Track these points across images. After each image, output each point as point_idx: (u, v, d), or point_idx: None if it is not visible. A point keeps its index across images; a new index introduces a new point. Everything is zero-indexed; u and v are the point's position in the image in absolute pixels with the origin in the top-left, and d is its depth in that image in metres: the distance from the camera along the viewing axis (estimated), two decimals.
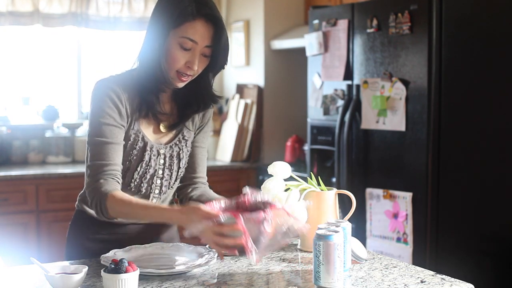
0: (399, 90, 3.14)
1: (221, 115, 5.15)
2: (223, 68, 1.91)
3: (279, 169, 1.86)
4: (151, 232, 2.03)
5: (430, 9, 2.97)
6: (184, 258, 1.84)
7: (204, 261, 1.77)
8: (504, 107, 2.92)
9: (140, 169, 1.90)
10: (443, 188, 3.00)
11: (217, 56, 1.85)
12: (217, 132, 5.03)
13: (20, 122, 4.73)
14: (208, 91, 1.96)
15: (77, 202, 2.03)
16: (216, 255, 1.80)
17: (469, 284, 1.65)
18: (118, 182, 1.82)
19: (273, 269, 1.78)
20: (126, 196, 1.79)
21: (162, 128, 1.95)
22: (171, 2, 1.81)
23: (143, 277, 1.67)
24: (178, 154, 1.97)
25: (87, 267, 1.61)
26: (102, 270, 1.56)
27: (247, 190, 1.72)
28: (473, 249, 2.98)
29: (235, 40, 5.11)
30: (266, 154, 4.85)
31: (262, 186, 1.84)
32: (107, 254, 1.80)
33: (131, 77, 1.89)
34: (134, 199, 1.80)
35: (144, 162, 1.90)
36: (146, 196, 1.95)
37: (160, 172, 1.95)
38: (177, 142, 1.97)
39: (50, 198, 4.19)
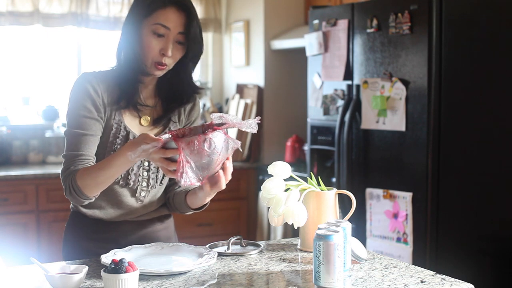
0: (399, 90, 3.14)
1: None
2: (199, 57, 1.94)
3: (279, 169, 1.86)
4: (147, 230, 2.04)
5: (430, 9, 2.96)
6: (184, 258, 1.84)
7: (204, 261, 1.77)
8: (504, 107, 2.93)
9: None
10: (443, 188, 3.00)
11: (191, 44, 1.88)
12: None
13: (20, 122, 4.73)
14: (189, 82, 1.99)
15: (71, 204, 2.04)
16: (216, 254, 1.82)
17: (469, 284, 1.65)
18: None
19: (273, 269, 1.78)
20: (92, 165, 1.83)
21: (143, 121, 1.97)
22: None
23: (143, 277, 1.67)
24: None
25: (87, 267, 1.61)
26: (102, 270, 1.56)
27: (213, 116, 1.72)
28: (473, 249, 2.98)
29: (235, 40, 5.11)
30: (266, 154, 4.85)
31: (262, 186, 1.84)
32: (107, 254, 1.80)
33: (112, 71, 1.94)
34: (98, 162, 1.83)
35: None
36: (134, 189, 1.96)
37: (146, 163, 1.96)
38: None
39: (50, 198, 4.19)
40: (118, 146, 1.91)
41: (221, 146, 1.65)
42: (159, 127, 2.00)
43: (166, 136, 1.67)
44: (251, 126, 1.67)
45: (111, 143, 1.91)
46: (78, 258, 1.93)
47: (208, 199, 1.92)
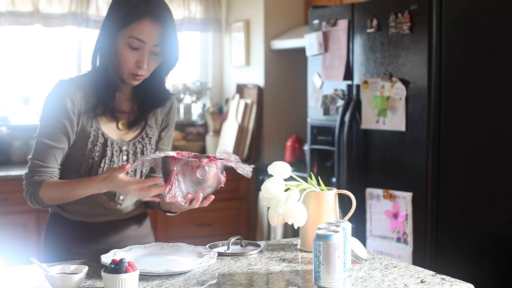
0: (399, 90, 3.14)
1: (221, 115, 5.15)
2: (175, 65, 1.95)
3: (279, 169, 1.86)
4: (126, 229, 2.05)
5: (430, 9, 2.96)
6: (184, 258, 1.84)
7: (204, 261, 1.77)
8: (504, 107, 2.92)
9: (104, 165, 1.93)
10: (443, 188, 2.99)
11: (167, 54, 1.89)
12: (217, 132, 5.03)
13: (20, 122, 4.73)
14: (161, 88, 2.01)
15: (49, 207, 2.03)
16: (216, 254, 1.82)
17: (469, 284, 1.65)
18: (46, 178, 1.89)
19: (273, 269, 1.78)
20: (58, 181, 1.89)
21: (120, 126, 1.98)
22: (121, 3, 1.87)
23: (143, 277, 1.67)
24: (142, 151, 2.01)
25: (87, 267, 1.61)
26: (102, 270, 1.56)
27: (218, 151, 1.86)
28: (473, 249, 2.98)
29: (235, 40, 5.11)
30: (266, 154, 4.85)
31: (262, 186, 1.84)
32: (107, 254, 1.81)
33: (89, 76, 1.95)
34: (65, 181, 1.88)
35: (107, 157, 1.94)
36: (113, 194, 1.97)
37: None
38: (140, 140, 2.01)
39: None
40: (97, 154, 1.93)
41: (212, 177, 1.78)
42: (135, 130, 2.01)
43: (137, 164, 1.84)
44: (245, 170, 1.81)
45: (89, 151, 1.93)
46: (58, 259, 1.93)
47: (178, 212, 2.00)
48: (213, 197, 1.83)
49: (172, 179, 1.76)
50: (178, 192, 1.77)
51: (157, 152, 1.88)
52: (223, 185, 1.84)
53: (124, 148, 1.97)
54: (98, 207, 1.98)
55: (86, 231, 1.99)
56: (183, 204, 1.80)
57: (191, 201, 1.80)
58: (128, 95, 2.01)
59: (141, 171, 2.03)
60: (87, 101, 1.92)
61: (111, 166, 1.94)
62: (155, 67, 1.92)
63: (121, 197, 2.00)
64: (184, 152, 1.88)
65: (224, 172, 1.84)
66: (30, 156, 1.94)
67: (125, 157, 1.97)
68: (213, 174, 1.78)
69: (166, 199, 1.76)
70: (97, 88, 1.92)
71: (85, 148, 1.92)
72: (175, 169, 1.76)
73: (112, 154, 1.95)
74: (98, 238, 1.99)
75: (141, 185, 1.77)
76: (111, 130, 1.96)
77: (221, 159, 1.81)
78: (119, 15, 1.85)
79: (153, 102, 2.01)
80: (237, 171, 1.80)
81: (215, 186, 1.83)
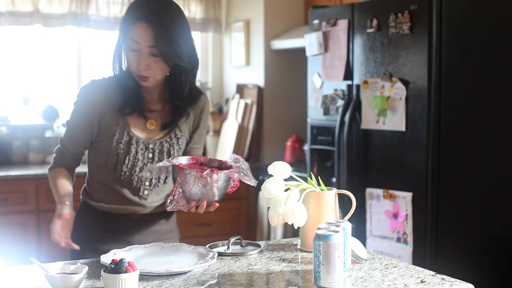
0: (399, 90, 3.14)
1: (221, 115, 5.15)
2: (189, 64, 2.00)
3: (279, 169, 1.86)
4: (150, 223, 2.13)
5: (430, 9, 2.96)
6: (184, 258, 1.84)
7: (204, 261, 1.77)
8: (504, 107, 2.92)
9: (128, 162, 2.03)
10: (443, 188, 2.99)
11: (166, 56, 1.94)
12: (217, 132, 5.03)
13: (20, 122, 4.73)
14: (189, 86, 2.06)
15: (81, 195, 2.17)
16: (216, 254, 1.83)
17: (469, 284, 1.65)
18: (67, 160, 2.10)
19: (273, 269, 1.78)
20: (58, 175, 2.06)
21: (149, 125, 2.07)
22: (126, 9, 1.99)
23: (143, 277, 1.67)
24: (168, 150, 2.08)
25: (87, 267, 1.62)
26: (102, 270, 1.56)
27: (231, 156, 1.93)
28: (473, 249, 2.98)
29: (235, 40, 5.11)
30: (266, 154, 4.85)
31: (262, 186, 1.84)
32: (107, 254, 1.81)
33: (113, 81, 2.06)
34: (57, 182, 2.04)
35: (131, 155, 2.03)
36: (137, 188, 2.07)
37: (149, 164, 2.05)
38: (168, 139, 2.09)
39: (50, 198, 4.16)
40: (121, 151, 2.03)
41: (214, 186, 1.84)
42: (165, 130, 2.09)
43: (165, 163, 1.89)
44: (252, 180, 1.87)
45: (114, 148, 2.03)
46: (86, 245, 2.02)
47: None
48: (217, 205, 1.90)
49: (174, 189, 1.84)
50: (182, 201, 1.84)
51: (165, 160, 1.95)
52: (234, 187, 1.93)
53: (151, 146, 2.06)
54: (123, 200, 2.07)
55: (111, 221, 2.08)
56: (186, 210, 1.88)
57: (196, 208, 1.88)
58: (158, 95, 2.09)
59: (156, 178, 2.09)
60: (113, 101, 2.03)
61: (135, 163, 2.04)
62: (160, 68, 1.97)
63: (146, 192, 2.08)
64: (200, 156, 1.97)
65: (233, 180, 1.92)
66: (60, 138, 2.13)
67: (150, 155, 2.06)
68: (215, 184, 1.84)
69: (167, 209, 1.85)
70: (123, 90, 2.03)
71: (110, 145, 2.03)
72: (178, 179, 1.84)
73: (137, 152, 2.04)
74: (122, 230, 2.08)
75: (58, 232, 1.91)
76: (139, 129, 2.06)
77: (230, 167, 1.88)
78: (123, 21, 1.97)
79: (183, 102, 2.08)
80: (243, 180, 1.86)
81: (219, 194, 1.88)
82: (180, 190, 1.84)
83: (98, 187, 2.10)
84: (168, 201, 1.84)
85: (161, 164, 1.87)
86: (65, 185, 2.04)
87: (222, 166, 1.93)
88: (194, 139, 2.17)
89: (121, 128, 2.03)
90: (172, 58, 1.94)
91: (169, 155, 2.07)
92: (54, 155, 2.12)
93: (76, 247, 1.91)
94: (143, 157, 2.05)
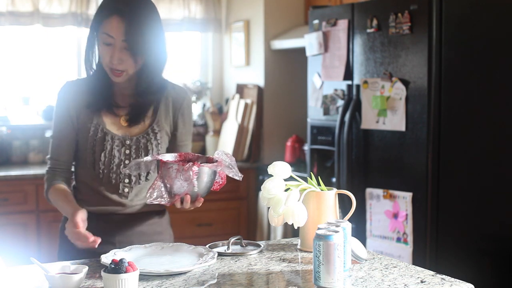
0: (399, 90, 3.14)
1: (221, 115, 5.15)
2: (159, 60, 2.03)
3: (279, 169, 1.86)
4: (134, 223, 2.12)
5: (430, 9, 2.96)
6: (184, 258, 1.84)
7: (204, 261, 1.77)
8: (504, 107, 2.93)
9: (104, 159, 2.04)
10: (443, 188, 2.99)
11: (138, 50, 1.96)
12: (217, 132, 5.03)
13: (20, 122, 4.73)
14: (155, 81, 2.06)
15: None
16: (216, 254, 1.83)
17: (469, 284, 1.65)
18: (60, 175, 2.08)
19: (273, 269, 1.78)
20: (59, 191, 2.03)
21: (122, 121, 2.09)
22: (99, 5, 2.02)
23: (143, 277, 1.67)
24: (146, 145, 2.08)
25: (87, 267, 1.62)
26: (102, 270, 1.56)
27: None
28: (473, 249, 2.98)
29: (235, 40, 5.11)
30: (266, 154, 4.85)
31: (262, 186, 1.84)
32: (107, 254, 1.81)
33: (89, 76, 2.09)
34: (61, 195, 2.02)
35: (107, 151, 2.04)
36: (117, 186, 2.07)
37: (127, 162, 2.06)
38: (145, 135, 2.09)
39: None
40: (96, 148, 2.05)
41: (196, 180, 1.82)
42: (141, 125, 2.09)
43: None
44: (238, 174, 1.86)
45: (90, 145, 2.06)
46: (73, 248, 1.97)
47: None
48: (202, 199, 1.88)
49: (155, 182, 1.83)
50: (164, 195, 1.82)
51: (149, 156, 1.94)
52: (217, 187, 1.91)
53: (127, 142, 2.06)
54: (104, 199, 2.07)
55: (98, 223, 2.05)
56: (168, 205, 1.88)
57: (181, 202, 1.86)
58: (128, 92, 2.09)
59: (136, 176, 2.08)
60: (87, 99, 2.05)
61: (112, 160, 2.04)
62: (131, 62, 1.98)
63: (126, 190, 2.07)
64: (188, 153, 1.96)
65: (221, 176, 1.91)
66: (47, 156, 2.13)
67: (127, 151, 2.06)
68: (195, 176, 1.82)
69: (147, 201, 1.84)
70: (94, 87, 2.05)
71: (86, 143, 2.05)
72: (159, 172, 1.83)
73: (112, 148, 2.05)
74: (110, 231, 2.07)
75: (77, 234, 1.85)
76: (115, 126, 2.07)
77: (216, 161, 1.86)
78: (96, 15, 1.99)
79: (148, 96, 2.08)
80: (227, 174, 1.86)
81: (204, 188, 1.87)
82: (161, 184, 1.83)
83: (81, 188, 2.11)
84: (148, 193, 1.83)
85: (146, 159, 1.86)
86: (67, 193, 2.04)
87: (209, 162, 1.92)
88: (180, 137, 2.16)
89: (95, 125, 2.05)
90: (142, 52, 1.97)
91: (146, 151, 2.07)
92: (46, 176, 2.09)
93: (98, 239, 1.86)
94: (120, 154, 2.05)
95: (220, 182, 1.92)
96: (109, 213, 2.09)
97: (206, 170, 1.84)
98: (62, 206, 2.00)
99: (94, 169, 2.05)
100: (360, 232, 3.34)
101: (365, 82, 3.34)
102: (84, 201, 2.07)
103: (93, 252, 1.94)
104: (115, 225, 2.09)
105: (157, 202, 1.83)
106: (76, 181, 2.13)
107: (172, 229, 2.27)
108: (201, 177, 1.84)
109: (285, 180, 1.88)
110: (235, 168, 1.86)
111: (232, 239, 1.99)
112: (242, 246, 2.00)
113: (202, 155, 1.95)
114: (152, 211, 2.15)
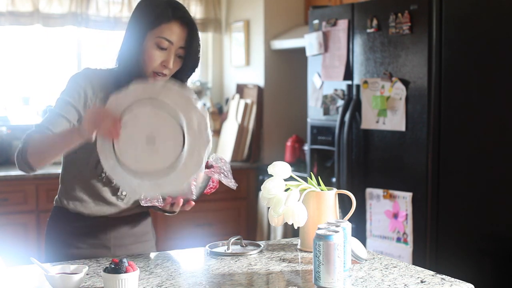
0: (399, 90, 3.14)
1: (221, 115, 5.15)
2: (194, 71, 2.04)
3: (279, 169, 1.86)
4: (123, 226, 2.09)
5: (430, 9, 2.96)
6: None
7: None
8: (504, 107, 2.92)
9: None
10: (443, 188, 2.99)
11: (191, 58, 1.98)
12: (217, 132, 5.03)
13: (20, 122, 4.73)
14: None
15: (54, 201, 2.10)
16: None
17: (469, 284, 1.65)
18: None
19: (273, 269, 1.78)
20: (44, 135, 1.88)
21: None
22: (149, 6, 1.97)
23: (143, 277, 1.67)
24: None
25: (87, 267, 1.62)
26: (102, 270, 1.56)
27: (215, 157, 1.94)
28: (473, 249, 2.98)
29: (235, 40, 5.11)
30: (266, 154, 4.85)
31: (262, 186, 1.85)
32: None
33: (112, 71, 2.02)
34: (51, 135, 1.88)
35: None
36: (116, 188, 2.03)
37: None
38: None
39: (50, 198, 4.18)
40: None
41: (198, 184, 1.84)
42: None
43: None
44: (231, 182, 1.88)
45: (94, 145, 1.94)
46: (59, 252, 1.97)
47: (176, 212, 2.00)
48: (193, 203, 1.90)
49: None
50: (157, 197, 1.83)
51: None
52: (210, 191, 1.93)
53: None
54: (100, 200, 2.02)
55: (85, 224, 2.02)
56: (160, 207, 1.88)
57: (172, 205, 1.88)
58: None
59: None
60: (106, 92, 1.97)
61: None
62: (176, 69, 1.99)
63: (124, 193, 2.04)
64: None
65: (213, 180, 1.92)
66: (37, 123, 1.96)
67: None
68: (194, 182, 1.83)
69: (141, 203, 1.84)
70: (118, 83, 1.97)
71: (94, 141, 1.94)
72: None
73: None
74: (96, 233, 2.04)
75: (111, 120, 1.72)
76: None
77: (211, 166, 1.88)
78: (150, 17, 1.94)
79: None
80: (222, 181, 1.88)
81: (198, 192, 1.88)
82: None
83: (75, 186, 2.03)
84: (142, 196, 1.82)
85: None
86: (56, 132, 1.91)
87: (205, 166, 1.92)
88: None
89: None
90: (194, 61, 1.99)
91: None
92: (24, 137, 1.91)
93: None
94: None
95: (212, 186, 1.94)
96: (102, 215, 2.05)
97: (202, 175, 1.86)
98: (61, 135, 1.87)
99: (96, 169, 2.00)
100: (360, 232, 3.34)
101: (365, 82, 3.34)
102: (77, 199, 2.02)
103: (80, 256, 1.94)
104: (109, 228, 2.06)
105: (151, 204, 1.84)
106: (70, 179, 2.05)
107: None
108: (197, 182, 1.86)
109: (285, 180, 1.88)
110: (230, 176, 1.87)
111: (232, 239, 1.99)
112: (242, 246, 2.00)
113: None
114: (138, 213, 2.13)
